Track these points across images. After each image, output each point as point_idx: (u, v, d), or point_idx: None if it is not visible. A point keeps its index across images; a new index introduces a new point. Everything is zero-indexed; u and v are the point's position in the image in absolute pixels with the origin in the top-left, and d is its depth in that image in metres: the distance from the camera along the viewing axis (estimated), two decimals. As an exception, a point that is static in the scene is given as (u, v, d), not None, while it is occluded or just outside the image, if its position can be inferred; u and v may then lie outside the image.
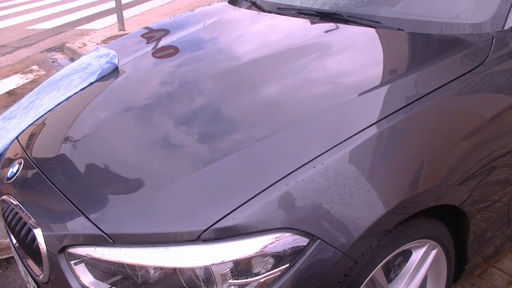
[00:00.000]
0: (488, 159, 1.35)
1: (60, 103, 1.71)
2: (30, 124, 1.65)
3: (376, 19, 1.67)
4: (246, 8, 2.21)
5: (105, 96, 1.66)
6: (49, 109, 1.69)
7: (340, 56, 1.53)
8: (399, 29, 1.60)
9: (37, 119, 1.66)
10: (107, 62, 1.86)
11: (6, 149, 1.59)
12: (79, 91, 1.75)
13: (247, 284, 1.05)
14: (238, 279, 1.04)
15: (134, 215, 1.10)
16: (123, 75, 1.79)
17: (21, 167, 1.43)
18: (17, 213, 1.31)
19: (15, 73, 5.22)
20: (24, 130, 1.63)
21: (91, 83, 1.78)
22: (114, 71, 1.84)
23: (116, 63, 1.88)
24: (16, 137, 1.61)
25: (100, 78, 1.80)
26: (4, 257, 2.19)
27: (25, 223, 1.27)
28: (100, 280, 1.11)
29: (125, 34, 5.98)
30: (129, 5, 8.42)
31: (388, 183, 1.13)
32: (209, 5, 2.55)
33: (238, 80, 1.52)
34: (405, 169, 1.16)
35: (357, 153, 1.13)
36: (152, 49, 1.98)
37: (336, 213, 1.07)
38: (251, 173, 1.11)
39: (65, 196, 1.23)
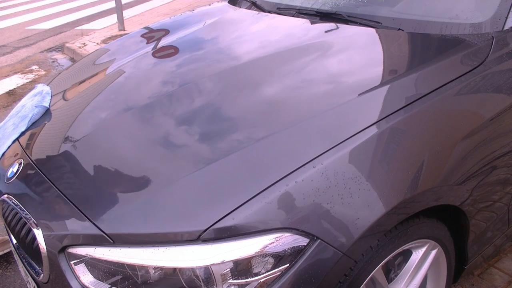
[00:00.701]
0: (488, 159, 1.35)
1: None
2: None
3: (376, 19, 1.67)
4: (246, 8, 2.21)
5: (105, 96, 1.66)
6: None
7: (340, 56, 1.53)
8: (399, 29, 1.60)
9: None
10: (36, 106, 1.70)
11: None
12: (12, 143, 1.60)
13: (247, 284, 1.05)
14: (238, 279, 1.04)
15: (134, 215, 1.10)
16: (124, 75, 1.79)
17: (21, 167, 1.43)
18: (17, 213, 1.32)
19: (15, 73, 5.22)
20: None
21: (23, 132, 1.62)
22: (46, 113, 1.69)
23: (47, 105, 1.72)
24: None
25: (32, 125, 1.65)
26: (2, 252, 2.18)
27: (25, 223, 1.27)
28: (100, 280, 1.11)
29: (125, 34, 5.98)
30: (129, 5, 8.42)
31: (388, 183, 1.13)
32: (209, 5, 2.55)
33: (238, 80, 1.52)
34: (405, 169, 1.16)
35: (357, 153, 1.13)
36: (152, 49, 1.98)
37: (336, 213, 1.07)
38: (251, 173, 1.11)
39: (65, 196, 1.23)
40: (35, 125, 1.65)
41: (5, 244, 2.18)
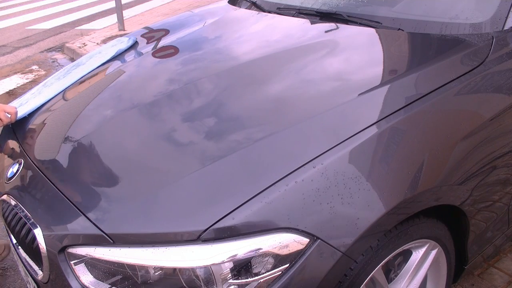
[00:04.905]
0: (488, 159, 1.35)
1: (82, 77, 1.90)
2: (56, 95, 1.80)
3: (376, 19, 1.67)
4: (246, 8, 2.21)
5: (105, 96, 1.66)
6: (72, 82, 1.88)
7: (339, 56, 1.53)
8: (399, 29, 1.60)
9: (61, 91, 1.83)
10: (128, 40, 2.13)
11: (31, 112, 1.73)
12: (100, 65, 1.96)
13: (247, 284, 1.05)
14: (238, 279, 1.04)
15: (134, 215, 1.10)
16: (126, 74, 1.79)
17: (21, 167, 1.43)
18: (17, 213, 1.31)
19: (15, 73, 5.22)
20: (50, 99, 1.78)
21: (110, 58, 1.99)
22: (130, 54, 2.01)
23: (135, 40, 2.13)
24: (42, 104, 1.76)
25: (119, 55, 2.02)
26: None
27: (25, 223, 1.27)
28: (100, 280, 1.11)
29: (125, 34, 5.98)
30: (129, 5, 8.42)
31: (388, 183, 1.13)
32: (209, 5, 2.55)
33: (237, 81, 1.52)
34: (405, 169, 1.16)
35: (357, 153, 1.13)
36: (152, 49, 1.98)
37: (336, 213, 1.07)
38: (251, 173, 1.11)
39: (65, 196, 1.23)
40: (120, 57, 2.00)
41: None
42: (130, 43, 2.10)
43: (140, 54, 1.95)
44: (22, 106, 1.73)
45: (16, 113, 1.66)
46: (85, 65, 1.99)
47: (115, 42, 2.18)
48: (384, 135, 1.17)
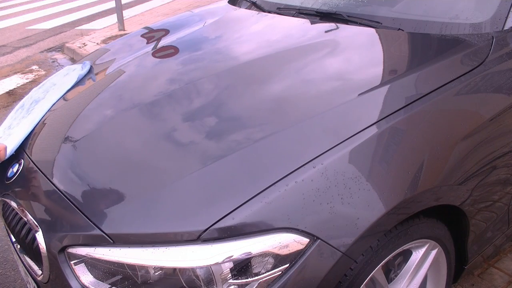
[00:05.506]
0: (488, 159, 1.35)
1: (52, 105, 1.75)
2: (33, 128, 1.65)
3: (376, 19, 1.67)
4: (246, 8, 2.21)
5: (105, 96, 1.66)
6: (38, 120, 1.69)
7: (339, 56, 1.53)
8: (399, 29, 1.60)
9: (36, 123, 1.67)
10: (84, 65, 1.97)
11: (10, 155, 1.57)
12: (64, 94, 1.80)
13: (247, 284, 1.05)
14: (238, 279, 1.04)
15: (134, 215, 1.10)
16: (126, 74, 1.79)
17: (21, 167, 1.43)
18: (17, 213, 1.32)
19: (15, 73, 5.22)
20: (29, 133, 1.62)
21: (74, 85, 1.84)
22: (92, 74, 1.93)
23: (90, 64, 2.00)
24: (20, 144, 1.58)
25: (80, 80, 1.88)
26: None
27: (25, 223, 1.27)
28: (100, 280, 1.11)
29: (125, 34, 5.98)
30: (129, 5, 8.42)
31: (388, 183, 1.13)
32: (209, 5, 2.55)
33: (238, 81, 1.52)
34: (405, 169, 1.16)
35: (357, 153, 1.13)
36: (152, 49, 1.98)
37: (336, 213, 1.07)
38: (251, 173, 1.11)
39: (65, 196, 1.23)
40: (83, 81, 1.88)
41: None
42: (87, 67, 1.97)
43: (95, 79, 1.89)
44: None
45: (6, 148, 1.54)
46: (45, 99, 1.81)
47: (66, 71, 2.01)
48: (384, 135, 1.17)
